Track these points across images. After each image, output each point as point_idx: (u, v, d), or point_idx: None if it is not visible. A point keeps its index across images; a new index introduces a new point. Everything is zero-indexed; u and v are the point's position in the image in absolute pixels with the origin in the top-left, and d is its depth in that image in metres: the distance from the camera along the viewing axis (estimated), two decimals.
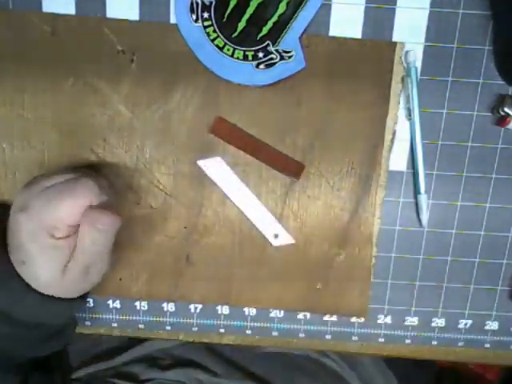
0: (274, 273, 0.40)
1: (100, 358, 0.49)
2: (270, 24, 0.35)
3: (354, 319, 0.42)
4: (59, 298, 0.33)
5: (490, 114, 0.38)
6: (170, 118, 0.38)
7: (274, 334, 0.43)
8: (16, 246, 0.32)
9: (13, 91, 0.37)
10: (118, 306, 0.42)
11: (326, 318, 0.42)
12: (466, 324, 0.42)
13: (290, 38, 0.36)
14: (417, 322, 0.42)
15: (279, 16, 0.35)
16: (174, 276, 0.41)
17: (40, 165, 0.38)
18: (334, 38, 0.36)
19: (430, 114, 0.38)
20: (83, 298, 0.36)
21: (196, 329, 0.43)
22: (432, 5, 0.36)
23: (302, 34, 0.36)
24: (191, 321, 0.42)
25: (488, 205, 0.39)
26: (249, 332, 0.43)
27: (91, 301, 0.42)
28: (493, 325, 0.42)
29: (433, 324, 0.42)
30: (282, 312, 0.42)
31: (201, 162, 0.38)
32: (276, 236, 0.40)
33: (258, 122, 0.38)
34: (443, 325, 0.42)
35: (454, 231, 0.40)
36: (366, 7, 0.36)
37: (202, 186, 0.39)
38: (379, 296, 0.41)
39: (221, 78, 0.37)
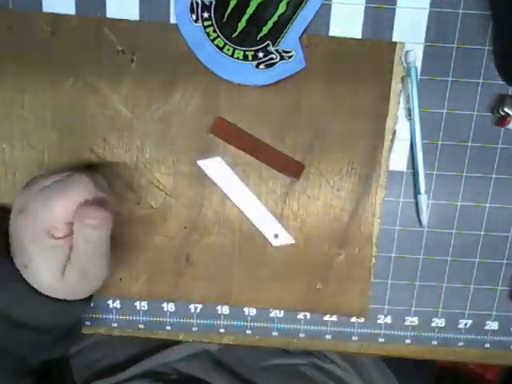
0: (274, 273, 0.41)
1: (102, 374, 0.48)
2: (270, 24, 0.35)
3: (354, 319, 0.42)
4: (65, 300, 0.33)
5: (490, 113, 0.38)
6: (169, 118, 0.38)
7: (274, 333, 0.43)
8: (19, 250, 0.32)
9: (13, 91, 0.37)
10: (118, 305, 0.42)
11: (326, 317, 0.42)
12: (465, 324, 0.42)
13: (290, 38, 0.36)
14: (417, 322, 0.42)
15: (279, 16, 0.35)
16: (174, 276, 0.41)
17: (40, 165, 0.38)
18: (333, 37, 0.36)
19: (430, 113, 0.38)
20: (88, 298, 0.36)
21: (196, 329, 0.43)
22: (432, 5, 0.36)
23: (302, 34, 0.36)
24: (191, 321, 0.42)
25: (488, 205, 0.39)
26: (249, 332, 0.43)
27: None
28: (493, 325, 0.42)
29: (433, 324, 0.42)
30: (282, 312, 0.42)
31: (201, 162, 0.38)
32: (276, 236, 0.40)
33: (258, 122, 0.38)
34: (443, 325, 0.42)
35: (454, 231, 0.40)
36: (365, 7, 0.36)
37: (202, 185, 0.39)
38: (379, 296, 0.41)
39: (221, 78, 0.37)
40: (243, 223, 0.40)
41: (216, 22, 0.36)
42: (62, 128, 0.38)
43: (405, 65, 0.37)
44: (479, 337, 0.42)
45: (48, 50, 0.37)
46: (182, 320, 0.42)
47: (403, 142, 0.38)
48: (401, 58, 0.37)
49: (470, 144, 0.38)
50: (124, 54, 0.37)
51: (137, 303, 0.42)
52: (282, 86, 0.37)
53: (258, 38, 0.36)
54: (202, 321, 0.42)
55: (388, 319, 0.42)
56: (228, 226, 0.40)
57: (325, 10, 0.36)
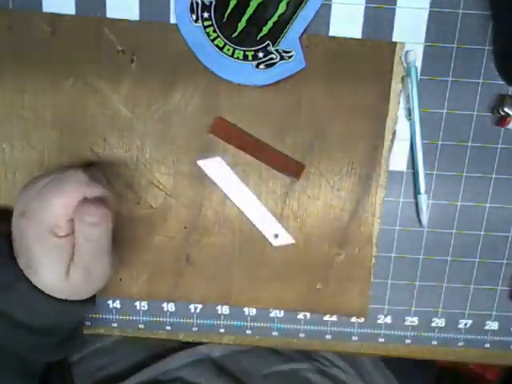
0: (274, 273, 0.41)
1: (104, 382, 0.48)
2: (270, 24, 0.35)
3: (354, 319, 0.42)
4: (69, 301, 0.33)
5: (490, 113, 0.38)
6: (169, 118, 0.38)
7: (274, 333, 0.43)
8: (23, 251, 0.32)
9: (13, 91, 0.37)
10: (118, 306, 0.42)
11: (326, 317, 0.42)
12: (466, 324, 0.42)
13: (290, 38, 0.36)
14: (417, 322, 0.42)
15: (279, 16, 0.35)
16: (174, 276, 0.41)
17: (40, 165, 0.38)
18: (334, 37, 0.36)
19: (430, 113, 0.38)
20: (92, 299, 0.36)
21: (196, 329, 0.43)
22: (432, 5, 0.36)
23: (302, 34, 0.36)
24: (191, 321, 0.42)
25: (488, 205, 0.39)
26: (249, 332, 0.43)
27: None
28: (493, 325, 0.42)
29: (433, 324, 0.42)
30: (282, 312, 0.42)
31: (201, 162, 0.38)
32: (276, 236, 0.40)
33: (258, 122, 0.38)
34: (443, 325, 0.42)
35: (454, 231, 0.40)
36: (365, 7, 0.36)
37: (202, 185, 0.39)
38: (379, 296, 0.41)
39: (221, 78, 0.37)
40: (243, 223, 0.40)
41: (216, 22, 0.36)
42: (62, 128, 0.38)
43: (405, 65, 0.37)
44: (479, 337, 0.42)
45: (48, 50, 0.37)
46: (181, 320, 0.42)
47: (403, 142, 0.38)
48: (401, 57, 0.37)
49: (469, 144, 0.38)
50: (124, 53, 0.37)
51: (137, 303, 0.42)
52: (282, 86, 0.37)
53: (258, 38, 0.36)
54: (201, 321, 0.42)
55: (388, 319, 0.42)
56: (228, 225, 0.40)
57: (325, 10, 0.36)
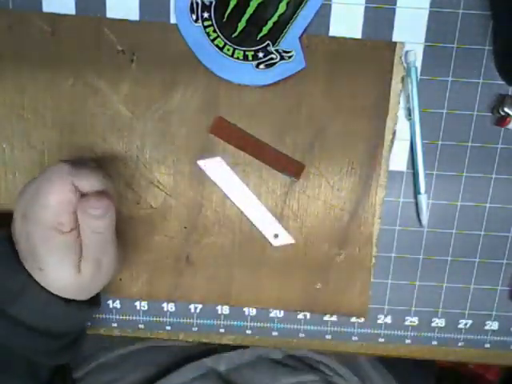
0: (274, 273, 0.41)
1: None
2: (270, 24, 0.35)
3: (354, 319, 0.42)
4: (79, 303, 0.33)
5: (490, 113, 0.38)
6: (169, 118, 0.38)
7: (274, 333, 0.43)
8: (30, 254, 0.31)
9: (13, 91, 0.37)
10: (118, 306, 0.42)
11: (326, 317, 0.42)
12: (466, 324, 0.42)
13: (290, 38, 0.36)
14: (417, 322, 0.42)
15: (279, 16, 0.35)
16: (174, 276, 0.41)
17: (40, 165, 0.38)
18: (334, 37, 0.36)
19: (430, 113, 0.38)
20: (98, 300, 0.36)
21: (196, 329, 0.43)
22: (432, 5, 0.36)
23: (302, 34, 0.36)
24: (191, 321, 0.42)
25: (488, 205, 0.39)
26: (249, 332, 0.43)
27: None
28: (493, 325, 0.42)
29: (433, 324, 0.42)
30: (282, 312, 0.42)
31: (201, 162, 0.38)
32: (276, 236, 0.40)
33: (258, 122, 0.38)
34: (443, 325, 0.42)
35: (454, 231, 0.40)
36: (365, 7, 0.36)
37: (202, 185, 0.39)
38: (379, 296, 0.41)
39: (221, 78, 0.37)
40: (243, 223, 0.40)
41: (216, 22, 0.36)
42: (62, 128, 0.38)
43: (405, 65, 0.37)
44: (479, 337, 0.42)
45: (48, 49, 0.37)
46: (181, 320, 0.42)
47: (403, 142, 0.38)
48: (401, 57, 0.37)
49: (470, 144, 0.38)
50: (124, 54, 0.37)
51: (137, 303, 0.42)
52: (282, 86, 0.37)
53: (258, 38, 0.36)
54: (201, 321, 0.42)
55: (388, 319, 0.42)
56: (228, 225, 0.40)
57: (325, 10, 0.36)
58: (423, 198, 0.39)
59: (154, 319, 0.42)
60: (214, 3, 0.35)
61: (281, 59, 0.36)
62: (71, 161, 0.32)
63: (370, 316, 0.42)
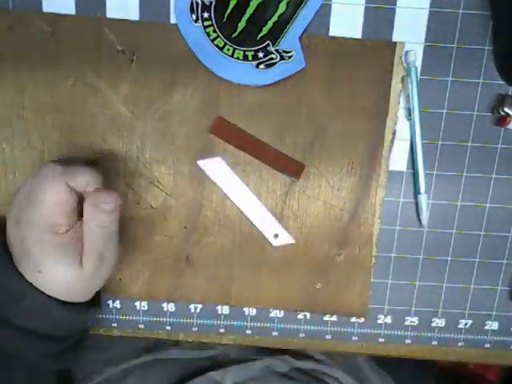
0: (274, 273, 0.41)
1: None
2: (270, 24, 0.35)
3: (354, 319, 0.42)
4: (80, 304, 0.33)
5: (490, 113, 0.38)
6: (169, 118, 0.38)
7: (274, 333, 0.43)
8: (26, 258, 0.31)
9: (13, 91, 0.37)
10: (118, 306, 0.42)
11: (326, 317, 0.42)
12: (466, 324, 0.42)
13: (290, 38, 0.36)
14: (417, 322, 0.42)
15: (279, 16, 0.35)
16: (174, 276, 0.41)
17: (40, 165, 0.38)
18: (334, 37, 0.36)
19: (430, 113, 0.38)
20: (99, 301, 0.36)
21: (196, 329, 0.43)
22: (432, 5, 0.36)
23: (302, 34, 0.36)
24: (191, 321, 0.42)
25: (488, 205, 0.39)
26: (249, 332, 0.43)
27: None
28: (493, 325, 0.42)
29: (433, 324, 0.42)
30: (282, 312, 0.42)
31: (201, 162, 0.38)
32: (276, 236, 0.40)
33: (258, 122, 0.38)
34: (443, 325, 0.42)
35: (454, 231, 0.40)
36: (365, 7, 0.36)
37: (202, 185, 0.39)
38: (379, 296, 0.41)
39: (221, 78, 0.37)
40: (243, 223, 0.40)
41: (216, 22, 0.36)
42: (62, 128, 0.38)
43: (405, 65, 0.37)
44: (479, 337, 0.42)
45: (48, 49, 0.37)
46: (181, 320, 0.42)
47: (403, 142, 0.38)
48: (401, 57, 0.37)
49: (470, 144, 0.38)
50: (124, 54, 0.37)
51: (137, 303, 0.42)
52: (282, 86, 0.37)
53: (258, 38, 0.36)
54: (202, 321, 0.42)
55: (388, 319, 0.42)
56: (228, 225, 0.40)
57: (325, 10, 0.36)
58: (423, 198, 0.39)
59: (154, 319, 0.42)
60: (213, 3, 0.35)
61: (281, 59, 0.36)
62: (63, 160, 0.32)
63: (370, 316, 0.42)
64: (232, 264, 0.40)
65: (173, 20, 0.36)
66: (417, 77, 0.36)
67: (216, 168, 0.38)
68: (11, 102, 0.37)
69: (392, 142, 0.38)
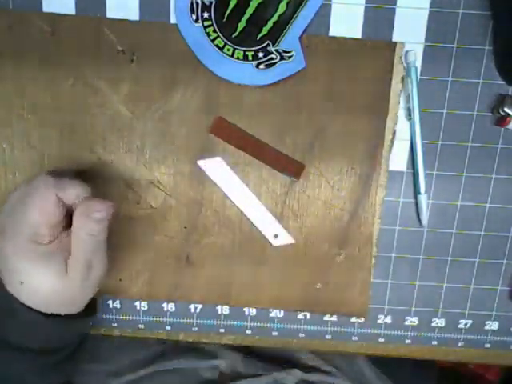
0: (274, 273, 0.41)
1: None
2: (270, 24, 0.35)
3: (354, 319, 0.42)
4: (71, 316, 0.33)
5: (490, 113, 0.38)
6: (169, 118, 0.38)
7: (274, 333, 0.43)
8: (9, 270, 0.31)
9: (13, 91, 0.37)
10: (118, 306, 0.42)
11: (326, 317, 0.42)
12: (466, 324, 0.42)
13: (290, 38, 0.36)
14: (417, 322, 0.42)
15: (279, 16, 0.35)
16: (174, 276, 0.41)
17: (40, 165, 0.38)
18: (334, 37, 0.36)
19: (430, 113, 0.38)
20: (92, 311, 0.36)
21: (196, 329, 0.43)
22: (432, 5, 0.36)
23: (302, 34, 0.36)
24: (191, 321, 0.42)
25: (488, 205, 0.39)
26: (249, 332, 0.43)
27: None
28: (493, 325, 0.42)
29: (433, 324, 0.42)
30: (282, 312, 0.42)
31: (201, 162, 0.38)
32: (276, 236, 0.40)
33: (258, 122, 0.38)
34: (443, 325, 0.42)
35: (454, 231, 0.40)
36: (365, 7, 0.36)
37: (202, 185, 0.39)
38: (379, 296, 0.41)
39: (221, 78, 0.37)
40: (243, 223, 0.40)
41: (216, 22, 0.36)
42: (62, 128, 0.38)
43: (405, 65, 0.37)
44: (479, 337, 0.42)
45: (48, 50, 0.37)
46: (181, 320, 0.42)
47: (403, 142, 0.38)
48: (401, 57, 0.37)
49: (470, 144, 0.38)
50: (124, 54, 0.37)
51: (137, 303, 0.42)
52: (282, 86, 0.37)
53: (258, 38, 0.36)
54: (202, 321, 0.42)
55: (388, 319, 0.42)
56: (228, 225, 0.40)
57: (325, 10, 0.36)
58: (423, 198, 0.39)
59: (154, 319, 0.42)
60: (213, 3, 0.35)
61: (281, 59, 0.36)
62: (56, 172, 0.32)
63: (370, 316, 0.42)
64: (232, 264, 0.40)
65: (173, 20, 0.36)
66: (417, 77, 0.36)
67: (216, 168, 0.38)
68: (11, 102, 0.37)
69: (392, 142, 0.38)
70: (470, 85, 0.37)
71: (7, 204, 0.32)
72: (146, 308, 0.42)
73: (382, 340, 0.43)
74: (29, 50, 0.37)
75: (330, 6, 0.36)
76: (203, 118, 0.38)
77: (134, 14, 0.36)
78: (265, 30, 0.36)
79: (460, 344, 0.43)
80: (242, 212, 0.39)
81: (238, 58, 0.36)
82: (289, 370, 0.48)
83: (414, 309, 0.42)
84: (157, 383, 0.48)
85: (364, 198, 0.39)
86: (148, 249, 0.40)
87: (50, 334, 0.33)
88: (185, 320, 0.42)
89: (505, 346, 0.43)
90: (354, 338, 0.43)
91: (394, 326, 0.42)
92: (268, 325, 0.42)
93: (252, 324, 0.42)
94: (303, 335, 0.43)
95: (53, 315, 0.32)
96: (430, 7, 0.36)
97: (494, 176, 0.39)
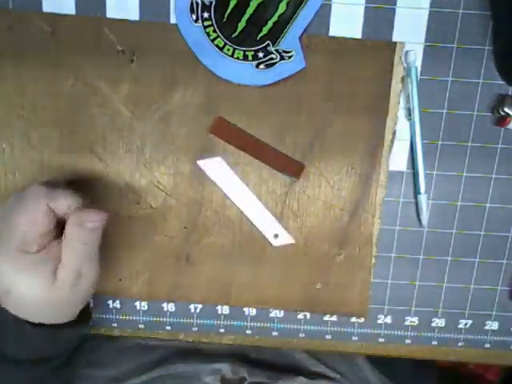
0: (274, 273, 0.41)
1: None
2: (270, 24, 0.35)
3: (354, 319, 0.42)
4: (61, 325, 0.32)
5: (490, 113, 0.38)
6: (169, 118, 0.38)
7: (274, 333, 0.43)
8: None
9: (13, 91, 0.37)
10: (118, 306, 0.42)
11: (326, 317, 0.42)
12: (466, 324, 0.42)
13: (290, 38, 0.36)
14: (417, 322, 0.42)
15: (279, 16, 0.35)
16: (174, 276, 0.41)
17: (40, 165, 0.38)
18: (334, 37, 0.36)
19: (430, 113, 0.38)
20: (85, 320, 0.35)
21: (196, 329, 0.43)
22: (432, 5, 0.36)
23: (302, 34, 0.36)
24: (191, 321, 0.42)
25: (488, 205, 0.39)
26: (249, 332, 0.43)
27: (91, 301, 0.42)
28: (493, 325, 0.42)
29: (433, 324, 0.42)
30: (282, 312, 0.42)
31: (201, 162, 0.38)
32: (276, 236, 0.40)
33: (258, 122, 0.38)
34: (443, 325, 0.42)
35: (454, 231, 0.40)
36: (365, 7, 0.36)
37: (202, 185, 0.39)
38: (379, 296, 0.41)
39: (221, 78, 0.37)
40: (243, 223, 0.40)
41: (216, 22, 0.36)
42: (61, 128, 0.38)
43: (405, 65, 0.37)
44: (479, 337, 0.42)
45: (48, 49, 0.37)
46: (181, 320, 0.42)
47: (403, 142, 0.38)
48: (401, 57, 0.37)
49: (470, 144, 0.38)
50: (124, 53, 0.37)
51: (137, 303, 0.42)
52: (282, 86, 0.37)
53: (258, 38, 0.36)
54: (202, 321, 0.42)
55: (388, 319, 0.42)
56: (228, 225, 0.40)
57: (325, 10, 0.36)
58: (423, 198, 0.39)
59: (154, 319, 0.42)
60: (213, 3, 0.35)
61: (281, 59, 0.36)
62: (51, 183, 0.32)
63: (370, 316, 0.42)
64: (232, 264, 0.40)
65: (173, 20, 0.36)
66: (417, 77, 0.36)
67: (216, 168, 0.38)
68: (11, 102, 0.37)
69: (392, 142, 0.38)
70: (470, 85, 0.37)
71: (2, 210, 0.32)
72: (146, 308, 0.42)
73: (382, 340, 0.43)
74: (29, 49, 0.37)
75: (330, 5, 0.36)
76: (203, 118, 0.38)
77: (134, 13, 0.36)
78: (265, 30, 0.36)
79: (460, 344, 0.43)
80: (241, 212, 0.39)
81: (237, 58, 0.36)
82: (295, 378, 0.48)
83: (413, 309, 0.42)
84: None
85: (364, 198, 0.39)
86: (148, 249, 0.40)
87: (40, 344, 0.32)
88: (185, 320, 0.42)
89: (505, 346, 0.43)
90: (354, 338, 0.43)
91: (393, 326, 0.42)
92: (268, 325, 0.42)
93: (252, 324, 0.42)
94: (303, 335, 0.43)
95: (41, 325, 0.32)
96: (430, 7, 0.36)
97: (493, 176, 0.39)
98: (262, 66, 0.36)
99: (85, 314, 0.35)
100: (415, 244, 0.40)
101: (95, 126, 0.38)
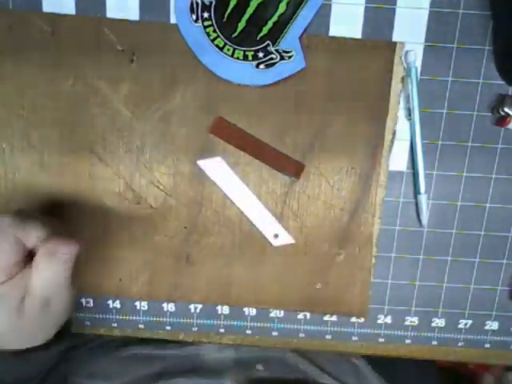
0: (274, 273, 0.41)
1: None
2: (270, 24, 0.35)
3: (354, 319, 0.42)
4: (32, 348, 0.32)
5: (490, 113, 0.38)
6: (169, 118, 0.38)
7: (274, 333, 0.43)
8: None
9: (13, 91, 0.37)
10: (118, 306, 0.42)
11: (326, 317, 0.42)
12: (466, 324, 0.42)
13: (290, 38, 0.36)
14: (417, 322, 0.42)
15: (279, 16, 0.35)
16: (174, 276, 0.41)
17: (40, 165, 0.38)
18: (334, 37, 0.36)
19: (430, 113, 0.38)
20: (60, 340, 0.34)
21: (196, 329, 0.43)
22: (432, 5, 0.36)
23: (302, 34, 0.36)
24: (191, 321, 0.42)
25: (488, 205, 0.39)
26: (249, 332, 0.43)
27: (91, 301, 0.42)
28: (493, 325, 0.42)
29: (433, 324, 0.42)
30: (282, 312, 0.42)
31: (201, 162, 0.38)
32: (276, 236, 0.40)
33: (258, 122, 0.38)
34: (443, 325, 0.42)
35: (454, 231, 0.40)
36: (365, 7, 0.36)
37: (202, 185, 0.39)
38: (379, 296, 0.41)
39: (221, 78, 0.37)
40: (243, 223, 0.40)
41: (216, 22, 0.36)
42: (61, 128, 0.38)
43: (405, 65, 0.37)
44: (479, 337, 0.42)
45: (48, 49, 0.37)
46: (181, 320, 0.42)
47: (403, 142, 0.38)
48: (401, 58, 0.37)
49: (470, 144, 0.38)
50: (124, 53, 0.37)
51: (137, 303, 0.42)
52: (282, 86, 0.37)
53: (258, 38, 0.36)
54: (201, 321, 0.42)
55: (388, 319, 0.42)
56: (228, 225, 0.40)
57: (325, 10, 0.36)
58: (423, 198, 0.39)
59: (154, 319, 0.42)
60: (213, 3, 0.35)
61: (281, 59, 0.36)
62: (22, 212, 0.31)
63: (370, 316, 0.42)
64: (232, 264, 0.40)
65: (173, 20, 0.36)
66: (417, 77, 0.36)
67: (216, 168, 0.38)
68: (11, 102, 0.37)
69: (392, 142, 0.38)
70: (470, 85, 0.37)
71: None
72: (146, 308, 0.42)
73: (382, 340, 0.43)
74: (29, 49, 0.37)
75: (329, 5, 0.36)
76: (203, 118, 0.38)
77: (133, 13, 0.36)
78: (265, 30, 0.36)
79: (460, 344, 0.43)
80: (242, 212, 0.39)
81: (237, 58, 0.36)
82: None
83: (413, 309, 0.42)
84: None
85: (364, 198, 0.39)
86: (148, 249, 0.40)
87: (12, 368, 0.32)
88: (185, 320, 0.42)
89: (505, 346, 0.43)
90: (354, 338, 0.43)
91: (393, 326, 0.42)
92: (268, 325, 0.42)
93: (252, 324, 0.42)
94: (303, 335, 0.43)
95: (10, 351, 0.31)
96: (430, 7, 0.36)
97: (493, 176, 0.39)
98: (262, 66, 0.36)
99: (62, 332, 0.34)
100: (415, 244, 0.40)
101: (95, 125, 0.38)
